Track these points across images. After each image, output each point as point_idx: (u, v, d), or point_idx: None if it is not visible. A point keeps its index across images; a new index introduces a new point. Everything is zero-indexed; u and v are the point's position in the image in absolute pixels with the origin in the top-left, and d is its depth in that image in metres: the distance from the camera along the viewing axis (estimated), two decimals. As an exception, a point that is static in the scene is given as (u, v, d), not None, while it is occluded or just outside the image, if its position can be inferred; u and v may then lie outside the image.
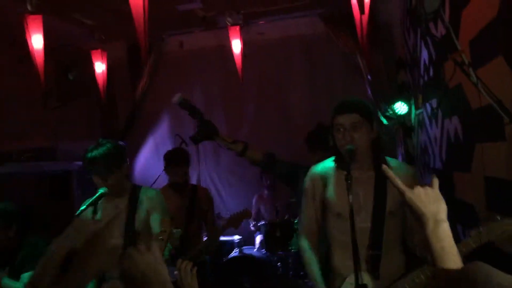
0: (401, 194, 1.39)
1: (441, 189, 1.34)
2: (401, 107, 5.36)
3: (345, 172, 2.14)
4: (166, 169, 4.27)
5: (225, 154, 6.38)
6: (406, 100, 5.32)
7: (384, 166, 1.45)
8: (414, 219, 1.37)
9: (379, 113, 5.64)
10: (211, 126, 2.93)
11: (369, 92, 5.70)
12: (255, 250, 5.47)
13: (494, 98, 1.53)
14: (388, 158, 2.45)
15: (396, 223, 2.39)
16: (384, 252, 2.34)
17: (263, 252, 5.25)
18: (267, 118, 6.37)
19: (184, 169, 4.23)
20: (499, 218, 1.83)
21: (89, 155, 2.74)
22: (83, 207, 2.51)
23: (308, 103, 6.22)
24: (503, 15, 2.13)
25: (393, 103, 5.44)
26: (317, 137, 3.56)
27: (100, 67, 5.27)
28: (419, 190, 1.36)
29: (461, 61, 1.55)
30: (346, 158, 2.18)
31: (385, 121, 5.60)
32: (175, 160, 4.21)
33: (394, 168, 2.33)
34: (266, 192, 5.96)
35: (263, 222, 5.38)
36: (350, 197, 1.99)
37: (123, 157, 2.90)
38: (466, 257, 1.81)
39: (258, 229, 5.61)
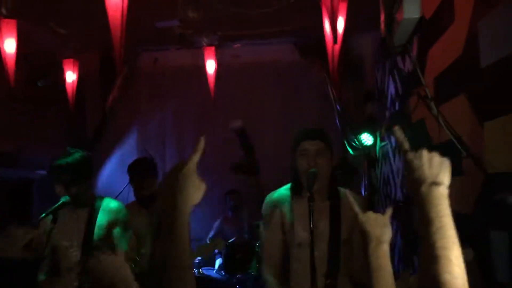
0: (356, 215, 1.54)
1: (401, 220, 1.40)
2: (367, 139, 5.50)
3: (303, 200, 2.20)
4: (131, 181, 3.87)
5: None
6: (372, 132, 5.45)
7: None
8: (361, 240, 1.43)
9: (346, 143, 5.76)
10: (256, 166, 2.96)
11: (337, 121, 5.81)
12: (214, 271, 5.41)
13: (453, 133, 1.60)
14: (340, 188, 2.52)
15: (350, 250, 2.43)
16: (339, 280, 2.38)
17: (222, 274, 5.20)
18: (237, 141, 6.38)
19: (150, 181, 3.72)
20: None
21: (58, 162, 2.71)
22: (43, 215, 2.46)
23: (279, 128, 6.28)
24: (467, 56, 2.23)
25: (360, 134, 5.57)
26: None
27: (71, 76, 5.22)
28: (370, 214, 1.54)
29: (425, 95, 1.63)
30: (309, 181, 2.21)
31: (351, 151, 5.72)
32: (140, 171, 3.78)
33: (347, 197, 2.42)
34: (230, 213, 5.95)
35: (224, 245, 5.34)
36: (311, 222, 2.02)
37: (90, 168, 2.88)
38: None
39: (219, 251, 5.57)
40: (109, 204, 2.94)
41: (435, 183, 1.19)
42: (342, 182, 3.48)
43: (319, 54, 5.50)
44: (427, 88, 1.61)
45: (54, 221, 2.57)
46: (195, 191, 1.27)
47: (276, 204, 2.52)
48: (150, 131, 6.46)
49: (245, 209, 5.86)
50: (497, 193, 1.66)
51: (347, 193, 2.44)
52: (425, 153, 1.26)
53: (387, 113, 4.71)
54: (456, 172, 2.42)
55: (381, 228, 1.52)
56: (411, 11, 1.35)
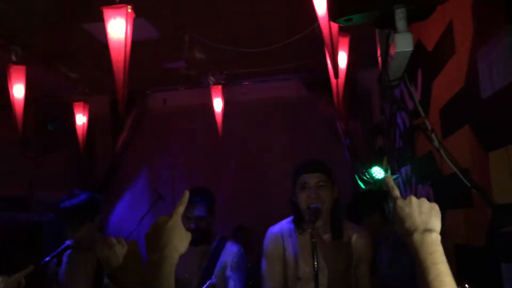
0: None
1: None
2: (378, 172, 5.45)
3: (304, 233, 2.17)
4: None
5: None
6: (383, 166, 5.41)
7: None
8: (400, 233, 1.26)
9: (357, 177, 5.71)
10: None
11: (347, 156, 5.78)
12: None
13: (456, 166, 1.58)
14: (348, 222, 2.48)
15: (350, 281, 2.38)
16: None
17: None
18: (247, 178, 6.37)
19: None
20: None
21: (62, 205, 2.70)
22: (47, 258, 2.44)
23: (287, 164, 6.24)
24: (469, 87, 2.23)
25: (370, 167, 5.53)
26: (362, 204, 3.46)
27: (81, 119, 5.29)
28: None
29: (425, 128, 1.62)
30: (312, 217, 2.18)
31: (362, 185, 5.66)
32: None
33: (352, 229, 2.39)
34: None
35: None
36: (315, 258, 1.97)
37: (96, 209, 2.83)
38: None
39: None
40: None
41: (428, 230, 1.19)
42: (366, 215, 3.39)
43: (326, 89, 5.52)
44: (427, 120, 1.59)
45: (58, 264, 2.55)
46: (181, 241, 1.29)
47: (278, 237, 2.48)
48: (160, 171, 6.47)
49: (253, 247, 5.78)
50: (505, 224, 1.62)
51: (353, 226, 2.42)
52: (414, 200, 1.25)
53: (396, 146, 4.69)
54: (465, 204, 2.38)
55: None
56: (403, 45, 1.35)
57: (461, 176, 1.55)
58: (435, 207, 1.25)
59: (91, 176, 6.38)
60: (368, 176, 5.58)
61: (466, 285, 1.91)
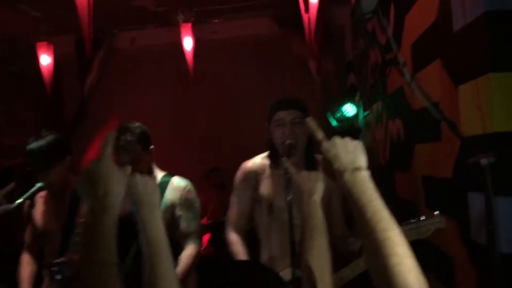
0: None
1: (384, 187, 1.40)
2: (349, 109, 5.49)
3: (278, 168, 2.20)
4: None
5: (173, 149, 6.34)
6: (355, 103, 5.45)
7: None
8: (341, 206, 1.36)
9: (329, 115, 5.75)
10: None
11: (319, 94, 5.80)
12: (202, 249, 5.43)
13: (427, 99, 1.59)
14: (317, 156, 2.49)
15: (328, 218, 2.44)
16: None
17: (211, 251, 5.23)
18: (220, 118, 6.35)
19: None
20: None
21: (28, 147, 2.63)
22: (19, 200, 2.42)
23: (260, 102, 6.22)
24: (441, 20, 2.21)
25: (342, 105, 5.57)
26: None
27: (46, 60, 5.11)
28: (303, 172, 1.66)
29: (397, 62, 1.61)
30: (285, 153, 2.19)
31: (334, 123, 5.72)
32: None
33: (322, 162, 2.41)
34: (213, 191, 5.96)
35: (210, 222, 5.37)
36: (289, 193, 1.99)
37: (65, 150, 2.77)
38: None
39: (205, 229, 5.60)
40: None
41: (357, 169, 1.19)
42: None
43: (298, 27, 5.46)
44: (399, 55, 1.58)
45: (31, 206, 2.53)
46: (119, 185, 1.22)
47: (250, 172, 2.51)
48: (131, 112, 6.38)
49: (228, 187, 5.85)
50: (472, 155, 1.66)
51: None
52: (338, 140, 1.25)
53: (368, 83, 4.71)
54: (434, 138, 2.43)
55: (313, 183, 1.63)
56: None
57: (431, 109, 1.56)
58: (359, 144, 1.26)
59: (60, 119, 6.26)
60: (340, 113, 5.63)
61: (436, 212, 2.00)
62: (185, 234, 2.55)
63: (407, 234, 1.95)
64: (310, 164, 2.41)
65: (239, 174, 2.57)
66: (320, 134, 1.32)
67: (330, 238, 2.46)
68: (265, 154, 2.53)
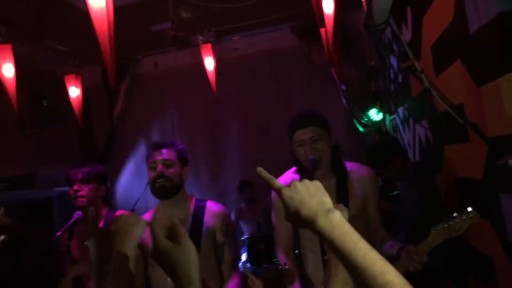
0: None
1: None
2: (375, 114, 5.47)
3: None
4: None
5: (205, 169, 6.41)
6: (380, 107, 5.42)
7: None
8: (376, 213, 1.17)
9: (355, 121, 5.73)
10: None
11: (344, 101, 5.78)
12: (240, 265, 5.46)
13: (448, 103, 1.59)
14: (346, 163, 2.48)
15: (359, 227, 2.40)
16: None
17: (248, 266, 5.24)
18: (247, 134, 6.39)
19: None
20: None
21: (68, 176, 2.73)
22: (58, 233, 2.50)
23: (286, 115, 6.23)
24: (457, 22, 2.20)
25: (368, 110, 5.55)
26: (380, 155, 3.38)
27: (74, 91, 5.26)
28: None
29: (414, 69, 1.61)
30: (310, 168, 2.20)
31: (361, 129, 5.69)
32: None
33: (352, 171, 2.40)
34: (244, 205, 5.98)
35: (246, 236, 5.39)
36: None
37: (102, 180, 2.88)
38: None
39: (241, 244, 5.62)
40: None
41: (329, 211, 1.09)
42: (388, 161, 3.31)
43: (317, 36, 5.47)
44: (416, 62, 1.58)
45: (70, 237, 2.61)
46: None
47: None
48: (160, 135, 6.50)
49: (259, 201, 5.84)
50: (499, 156, 1.64)
51: (353, 167, 2.43)
52: (298, 184, 1.15)
53: (392, 87, 4.68)
54: (462, 139, 2.41)
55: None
56: (385, -12, 1.33)
57: (454, 114, 1.56)
58: (318, 183, 1.16)
59: (91, 148, 6.42)
60: (366, 119, 5.60)
61: (469, 209, 1.96)
62: (228, 261, 2.54)
63: (440, 233, 1.94)
64: (339, 173, 2.40)
65: (274, 194, 2.56)
66: (275, 182, 1.19)
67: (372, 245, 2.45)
68: (295, 168, 2.54)
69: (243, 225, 5.93)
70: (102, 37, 2.46)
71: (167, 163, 2.45)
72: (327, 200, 1.12)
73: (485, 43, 1.79)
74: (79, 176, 2.70)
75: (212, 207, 2.57)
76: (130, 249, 1.22)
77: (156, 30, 5.27)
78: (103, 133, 6.44)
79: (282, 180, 2.55)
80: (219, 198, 6.16)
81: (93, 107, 6.42)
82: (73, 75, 5.30)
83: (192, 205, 2.55)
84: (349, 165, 2.47)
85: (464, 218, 1.92)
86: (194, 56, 5.82)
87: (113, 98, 6.34)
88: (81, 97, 5.35)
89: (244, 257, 5.63)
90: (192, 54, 5.91)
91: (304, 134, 2.31)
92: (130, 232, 1.26)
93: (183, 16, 4.84)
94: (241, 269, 5.19)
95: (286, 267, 2.10)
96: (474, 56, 1.98)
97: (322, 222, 1.07)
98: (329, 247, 1.06)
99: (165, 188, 2.43)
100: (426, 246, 1.99)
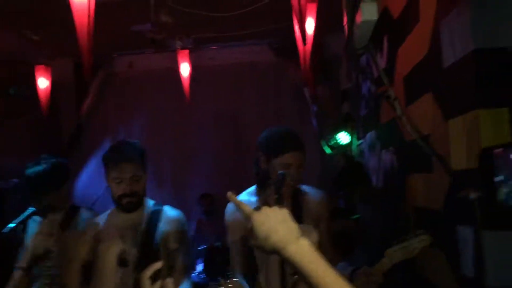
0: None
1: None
2: (343, 137, 5.54)
3: (265, 201, 2.21)
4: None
5: (170, 177, 6.35)
6: (349, 131, 5.50)
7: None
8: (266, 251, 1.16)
9: (323, 142, 5.80)
10: None
11: (314, 122, 5.85)
12: (194, 274, 5.40)
13: (418, 133, 1.63)
14: (302, 186, 2.50)
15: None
16: None
17: (202, 277, 5.20)
18: (217, 142, 6.38)
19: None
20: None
21: (27, 172, 2.63)
22: (12, 225, 2.41)
23: (256, 130, 6.24)
24: (432, 55, 2.27)
25: (336, 133, 5.62)
26: (345, 180, 3.38)
27: (43, 83, 5.15)
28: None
29: (388, 96, 1.65)
30: (278, 184, 2.19)
31: (328, 150, 5.76)
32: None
33: (308, 194, 2.42)
34: (204, 217, 5.95)
35: (204, 247, 5.35)
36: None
37: (64, 177, 2.78)
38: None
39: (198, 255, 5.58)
40: (83, 214, 2.84)
41: (299, 237, 1.11)
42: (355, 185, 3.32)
43: (294, 55, 5.54)
44: (390, 89, 1.62)
45: (24, 230, 2.52)
46: None
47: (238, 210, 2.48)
48: (126, 136, 6.41)
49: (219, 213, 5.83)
50: (461, 189, 1.69)
51: (307, 190, 2.45)
52: (268, 210, 1.15)
53: (362, 112, 4.76)
54: (426, 169, 2.46)
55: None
56: (368, 13, 1.37)
57: (421, 144, 1.60)
58: (286, 211, 1.17)
59: (56, 142, 6.27)
60: (334, 141, 5.67)
61: (421, 231, 2.04)
62: (179, 269, 2.49)
63: (395, 255, 2.00)
64: (295, 196, 2.41)
65: (227, 212, 2.51)
66: (246, 208, 1.20)
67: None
68: (252, 189, 2.51)
69: (203, 237, 5.88)
70: (81, 28, 2.43)
71: (135, 179, 2.39)
72: (296, 227, 1.14)
73: (457, 78, 1.84)
74: None
75: (168, 213, 2.53)
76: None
77: (135, 30, 5.23)
78: (70, 128, 6.31)
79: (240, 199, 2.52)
80: (182, 207, 6.09)
81: (61, 101, 6.29)
82: (43, 66, 5.20)
83: (148, 210, 2.51)
84: (305, 188, 2.49)
85: (417, 240, 2.01)
86: (170, 61, 5.80)
87: (83, 94, 6.23)
88: (49, 89, 5.25)
89: (200, 267, 5.59)
90: (169, 58, 5.88)
91: (294, 160, 2.27)
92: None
93: (164, 20, 4.82)
94: (196, 279, 5.16)
95: (230, 283, 2.08)
96: (446, 89, 2.04)
97: (292, 249, 1.09)
98: (299, 273, 1.09)
99: (132, 204, 2.39)
100: (382, 267, 2.06)
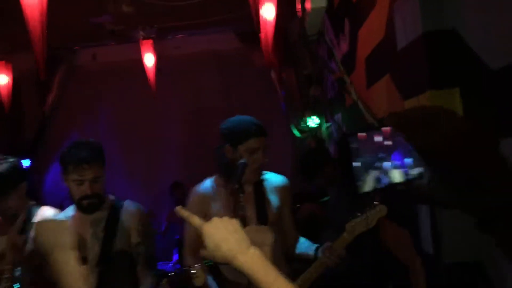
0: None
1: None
2: (312, 121, 5.60)
3: (228, 190, 2.23)
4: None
5: (139, 169, 6.29)
6: (318, 114, 5.55)
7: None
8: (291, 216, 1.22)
9: (292, 126, 5.83)
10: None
11: (283, 106, 5.87)
12: (170, 265, 5.40)
13: (372, 116, 1.66)
14: (265, 172, 2.51)
15: (276, 232, 2.44)
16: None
17: (177, 267, 5.20)
18: (183, 131, 6.35)
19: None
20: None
21: None
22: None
23: (224, 116, 6.24)
24: (388, 38, 2.30)
25: (305, 117, 5.67)
26: (311, 164, 3.40)
27: (3, 79, 5.02)
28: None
29: (344, 81, 1.67)
30: (239, 172, 2.19)
31: (298, 134, 5.80)
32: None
33: (269, 179, 2.44)
34: (175, 207, 5.93)
35: (177, 237, 5.34)
36: (242, 209, 2.01)
37: (20, 177, 2.68)
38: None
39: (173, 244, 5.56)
40: (45, 213, 2.76)
41: (248, 247, 1.14)
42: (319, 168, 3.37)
43: (258, 41, 5.53)
44: (346, 76, 1.64)
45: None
46: None
47: (202, 196, 2.49)
48: (93, 129, 6.32)
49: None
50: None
51: (269, 176, 2.48)
52: (219, 221, 1.19)
53: (329, 95, 4.80)
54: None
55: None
56: (318, 1, 1.37)
57: (377, 127, 1.63)
58: (236, 221, 1.20)
59: (19, 139, 6.13)
60: (303, 125, 5.72)
61: (376, 203, 2.11)
62: (142, 262, 2.48)
63: (355, 228, 2.11)
64: (256, 182, 2.42)
65: (190, 198, 2.53)
66: (195, 220, 1.22)
67: (287, 250, 2.51)
68: (215, 176, 2.52)
69: (175, 227, 5.86)
70: (33, 24, 2.36)
71: (95, 180, 2.35)
72: (245, 236, 1.17)
73: (410, 60, 1.88)
74: None
75: (128, 207, 2.49)
76: None
77: (95, 22, 5.13)
78: (33, 124, 6.17)
79: (202, 187, 2.52)
80: (153, 198, 6.08)
81: (24, 96, 6.14)
82: (3, 62, 5.07)
83: (109, 206, 2.49)
84: (266, 174, 2.51)
85: (373, 212, 2.07)
86: (135, 52, 5.71)
87: (46, 88, 6.09)
88: (11, 85, 5.12)
89: (176, 257, 5.58)
90: (133, 49, 5.79)
91: (259, 143, 2.28)
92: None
93: (125, 10, 4.74)
94: (172, 269, 5.15)
95: (193, 269, 2.10)
96: (401, 71, 2.07)
97: (243, 258, 1.13)
98: (250, 281, 1.12)
99: (94, 206, 2.34)
100: (343, 241, 2.13)
